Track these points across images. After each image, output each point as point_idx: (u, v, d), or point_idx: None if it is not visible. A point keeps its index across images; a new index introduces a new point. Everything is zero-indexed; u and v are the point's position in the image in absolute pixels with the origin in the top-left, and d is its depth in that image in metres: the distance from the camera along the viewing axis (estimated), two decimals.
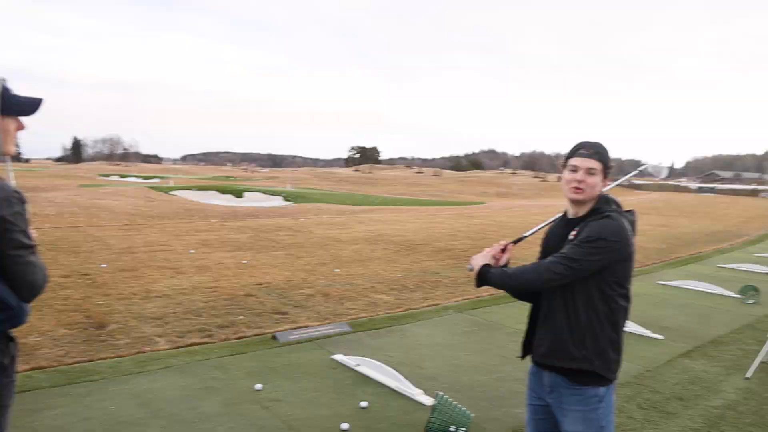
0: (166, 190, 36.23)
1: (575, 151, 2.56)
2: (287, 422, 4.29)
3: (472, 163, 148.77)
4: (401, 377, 5.03)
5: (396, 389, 4.92)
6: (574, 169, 2.52)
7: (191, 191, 38.10)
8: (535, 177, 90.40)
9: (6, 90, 2.19)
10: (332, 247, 13.12)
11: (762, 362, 5.80)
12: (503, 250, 2.75)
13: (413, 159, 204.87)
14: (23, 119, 2.29)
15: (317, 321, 7.10)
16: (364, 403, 4.59)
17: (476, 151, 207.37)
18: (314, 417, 4.39)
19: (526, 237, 2.82)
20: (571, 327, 2.47)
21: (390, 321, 7.19)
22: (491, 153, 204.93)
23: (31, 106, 2.28)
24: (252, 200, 36.96)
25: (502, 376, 5.40)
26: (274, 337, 6.26)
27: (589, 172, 2.49)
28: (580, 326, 2.45)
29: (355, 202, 38.13)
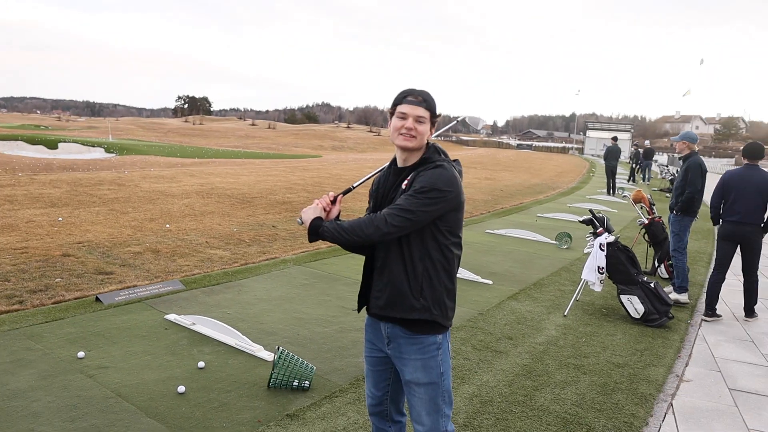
0: None
1: (403, 98, 2.51)
2: (116, 390, 3.99)
3: (307, 116, 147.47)
4: (239, 334, 4.90)
5: (235, 346, 4.79)
6: (403, 117, 2.48)
7: None
8: (369, 131, 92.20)
9: None
10: (161, 202, 12.34)
11: (576, 300, 6.50)
12: (333, 202, 2.67)
13: (246, 111, 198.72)
14: None
15: (147, 280, 6.66)
16: (201, 363, 4.41)
17: (310, 104, 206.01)
18: (147, 382, 4.14)
19: (355, 187, 2.79)
20: (408, 277, 2.48)
21: (226, 277, 6.96)
22: (326, 107, 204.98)
23: None
24: (68, 152, 33.55)
25: (342, 326, 5.48)
26: (97, 299, 5.77)
27: (418, 120, 2.46)
28: (417, 276, 2.47)
29: (186, 155, 36.16)
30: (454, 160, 2.63)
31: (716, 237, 6.81)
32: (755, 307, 6.64)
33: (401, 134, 2.49)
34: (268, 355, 4.62)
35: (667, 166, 25.67)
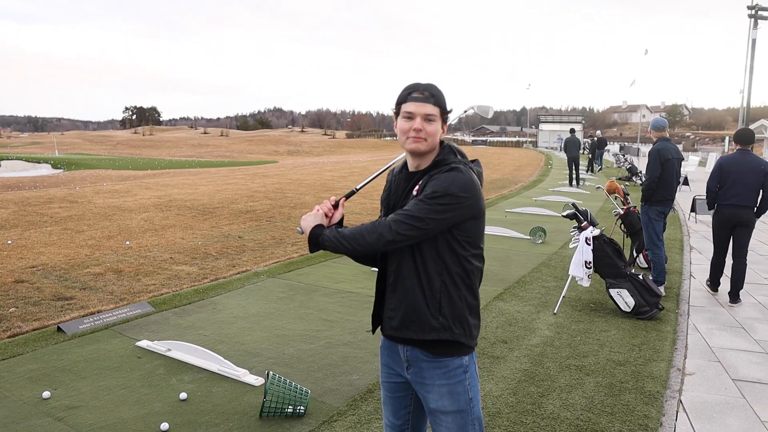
0: None
1: (407, 95, 2.21)
2: (92, 431, 3.59)
3: (260, 122, 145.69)
4: (221, 358, 4.53)
5: (218, 372, 4.42)
6: (410, 116, 2.18)
7: None
8: (324, 134, 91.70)
9: None
10: (118, 218, 11.74)
11: (564, 297, 6.33)
12: (335, 206, 2.38)
13: (197, 119, 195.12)
14: None
15: (112, 303, 6.20)
16: (183, 395, 4.03)
17: (262, 109, 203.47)
18: (125, 420, 3.74)
19: (358, 190, 2.49)
20: (424, 293, 2.19)
21: (197, 294, 6.55)
22: (278, 111, 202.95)
23: None
24: (11, 170, 32.12)
25: (329, 342, 5.16)
26: (59, 329, 5.30)
27: (428, 118, 2.17)
28: (434, 291, 2.18)
29: (138, 167, 35.09)
30: (473, 161, 2.36)
31: (713, 221, 6.87)
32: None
33: (410, 137, 2.20)
34: (256, 380, 4.28)
35: (624, 155, 26.11)
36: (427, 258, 2.19)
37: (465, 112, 2.97)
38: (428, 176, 2.19)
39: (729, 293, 6.69)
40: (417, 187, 2.21)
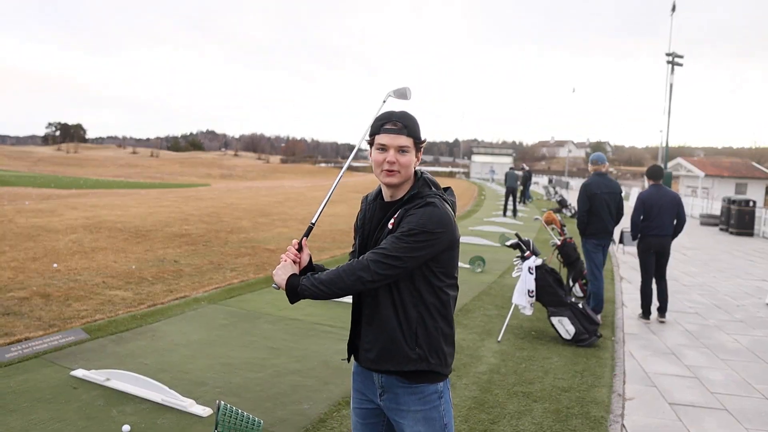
0: None
1: (381, 126, 2.22)
2: None
3: (192, 143, 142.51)
4: (165, 387, 4.34)
5: (162, 403, 4.22)
6: (383, 148, 2.20)
7: None
8: (258, 158, 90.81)
9: None
10: (44, 238, 11.14)
11: (507, 325, 6.46)
12: (299, 249, 2.34)
13: (126, 138, 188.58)
14: None
15: (40, 330, 5.84)
16: (126, 428, 3.83)
17: (194, 131, 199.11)
18: None
19: (314, 224, 2.43)
20: (401, 325, 2.19)
21: (134, 321, 6.27)
22: (210, 134, 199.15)
23: None
24: None
25: (277, 370, 5.04)
26: None
27: (401, 149, 2.19)
28: (411, 323, 2.19)
29: (62, 185, 33.53)
30: (446, 189, 2.40)
31: (638, 251, 7.48)
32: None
33: (383, 170, 2.22)
34: (203, 410, 4.12)
35: (554, 188, 27.09)
36: (403, 290, 2.20)
37: (384, 101, 2.88)
38: (404, 210, 2.20)
39: (658, 309, 7.39)
40: (393, 221, 2.21)
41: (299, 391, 4.58)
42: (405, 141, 2.22)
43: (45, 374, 4.73)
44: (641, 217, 7.26)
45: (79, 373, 4.70)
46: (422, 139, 2.30)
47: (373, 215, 2.34)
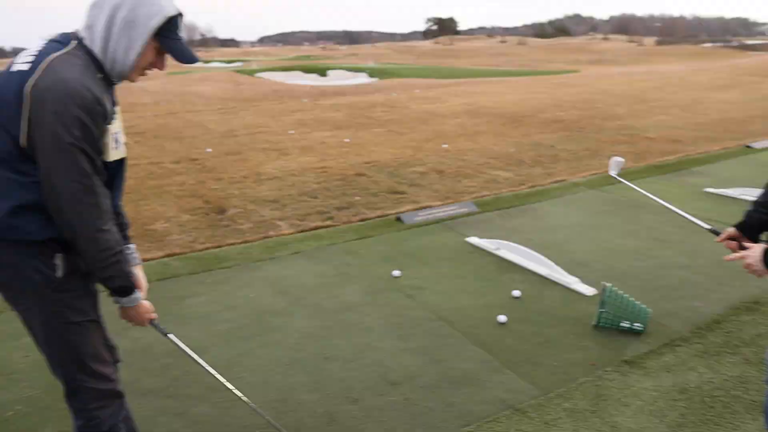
0: (251, 72, 36.00)
1: None
2: (437, 312, 3.96)
3: (558, 29, 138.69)
4: (551, 263, 4.55)
5: (547, 277, 4.46)
6: None
7: (276, 72, 37.72)
8: (630, 41, 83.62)
9: (174, 22, 1.87)
10: (433, 122, 12.46)
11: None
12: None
13: (494, 28, 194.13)
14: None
15: (438, 200, 6.67)
16: (516, 292, 4.18)
17: (560, 16, 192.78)
18: (465, 307, 4.04)
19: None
20: None
21: (517, 200, 6.65)
22: (576, 18, 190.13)
23: (185, 55, 1.92)
24: (337, 78, 36.22)
25: (662, 262, 4.81)
26: (398, 219, 5.90)
27: None
28: None
29: (442, 76, 36.57)
30: None
31: None
32: None
33: None
34: (586, 289, 4.22)
35: None
36: None
37: None
38: None
39: None
40: None
41: (688, 287, 4.30)
42: None
43: (446, 237, 5.43)
44: None
45: (473, 240, 5.26)
46: None
47: None
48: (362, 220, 6.02)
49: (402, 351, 3.49)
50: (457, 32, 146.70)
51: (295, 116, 13.80)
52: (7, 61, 2.17)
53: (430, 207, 6.31)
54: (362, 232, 5.59)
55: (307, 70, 40.11)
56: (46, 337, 1.92)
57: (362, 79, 35.79)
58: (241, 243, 5.31)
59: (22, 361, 3.42)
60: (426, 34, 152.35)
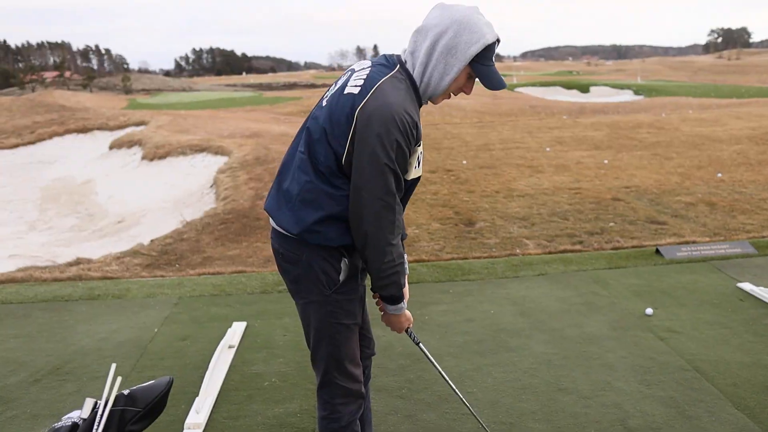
0: (511, 87, 36.31)
1: None
2: (692, 362, 3.56)
3: None
4: None
5: None
6: None
7: (535, 87, 37.54)
8: None
9: (490, 49, 1.96)
10: (707, 147, 11.21)
11: None
12: None
13: None
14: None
15: (706, 236, 5.99)
16: None
17: None
18: (728, 362, 3.56)
19: None
20: None
21: None
22: None
23: (494, 81, 1.99)
24: (599, 95, 34.74)
25: None
26: (657, 252, 5.44)
27: None
28: None
29: (722, 95, 32.72)
30: None
31: None
32: None
33: None
34: None
35: None
36: None
37: None
38: None
39: None
40: None
41: None
42: None
43: (711, 279, 4.85)
44: None
45: (747, 286, 4.61)
46: None
47: None
48: (615, 248, 5.68)
49: (646, 397, 3.21)
50: (748, 44, 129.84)
51: (552, 133, 13.56)
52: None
53: (695, 242, 5.70)
54: (614, 262, 5.27)
55: (568, 86, 39.09)
56: (317, 332, 2.16)
57: (627, 96, 33.80)
58: (486, 257, 5.40)
59: (282, 339, 3.92)
60: (707, 48, 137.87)
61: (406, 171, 2.00)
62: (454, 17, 1.91)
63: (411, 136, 1.91)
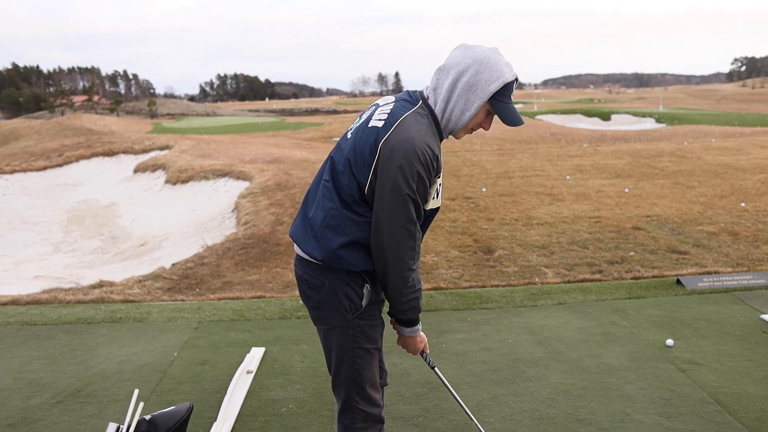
0: (531, 115, 36.38)
1: None
2: (714, 395, 3.50)
3: None
4: None
5: None
6: None
7: (555, 115, 37.57)
8: None
9: (509, 87, 2.04)
10: (730, 176, 11.11)
11: None
12: None
13: None
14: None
15: (729, 267, 5.92)
16: None
17: None
18: (752, 396, 3.50)
19: None
20: None
21: None
22: None
23: (512, 118, 2.07)
24: (620, 123, 34.66)
25: None
26: (678, 282, 5.38)
27: None
28: None
29: (745, 123, 32.45)
30: None
31: None
32: None
33: None
34: None
35: None
36: None
37: None
38: None
39: None
40: None
41: None
42: None
43: (734, 311, 4.78)
44: None
45: None
46: None
47: None
48: (635, 278, 5.64)
49: (666, 430, 3.16)
50: None
51: (573, 161, 13.54)
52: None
53: (717, 273, 5.63)
54: (634, 291, 5.22)
55: (589, 113, 39.05)
56: (338, 357, 2.19)
57: (648, 124, 33.69)
58: (504, 285, 5.38)
59: (299, 365, 3.94)
60: (730, 76, 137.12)
61: (425, 201, 2.06)
62: (476, 57, 2.00)
63: (432, 168, 1.99)
